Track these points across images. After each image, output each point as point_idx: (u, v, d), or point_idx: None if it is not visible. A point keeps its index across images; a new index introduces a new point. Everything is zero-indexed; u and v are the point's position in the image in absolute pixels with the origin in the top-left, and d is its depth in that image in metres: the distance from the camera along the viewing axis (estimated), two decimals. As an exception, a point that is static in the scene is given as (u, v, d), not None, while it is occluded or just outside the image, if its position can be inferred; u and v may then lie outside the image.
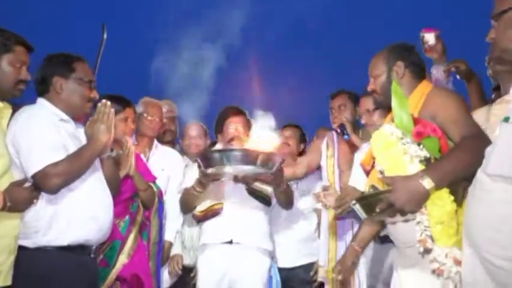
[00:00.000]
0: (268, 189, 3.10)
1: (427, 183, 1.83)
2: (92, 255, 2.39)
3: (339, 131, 3.39)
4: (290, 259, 3.73)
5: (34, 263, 2.18)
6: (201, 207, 3.13)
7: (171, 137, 3.96)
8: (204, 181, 2.84)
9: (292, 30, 9.22)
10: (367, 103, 3.05)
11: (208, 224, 3.14)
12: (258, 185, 3.09)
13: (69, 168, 2.21)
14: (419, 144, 1.95)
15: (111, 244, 2.71)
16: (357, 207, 1.95)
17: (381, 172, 2.02)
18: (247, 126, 3.31)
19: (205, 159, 2.68)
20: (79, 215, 2.26)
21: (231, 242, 3.08)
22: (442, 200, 1.86)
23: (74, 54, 2.44)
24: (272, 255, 3.24)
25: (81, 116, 2.48)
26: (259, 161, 2.57)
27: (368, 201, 1.93)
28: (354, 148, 3.28)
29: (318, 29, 9.72)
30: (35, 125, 2.25)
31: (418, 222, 1.88)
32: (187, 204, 3.13)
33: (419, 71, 2.24)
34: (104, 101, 2.35)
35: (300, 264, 3.75)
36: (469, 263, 1.87)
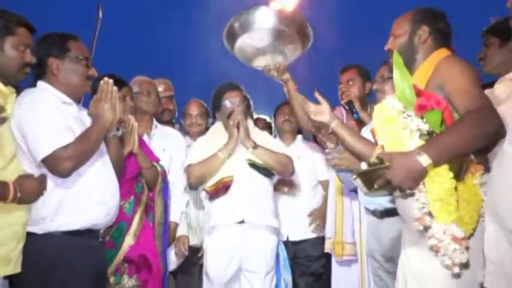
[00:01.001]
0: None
1: (424, 160, 1.78)
2: (100, 239, 2.39)
3: (347, 107, 3.36)
4: (298, 232, 3.75)
5: (43, 249, 2.17)
6: (210, 183, 3.11)
7: (170, 116, 3.92)
8: None
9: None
10: (384, 70, 3.00)
11: (216, 205, 3.11)
12: (256, 158, 3.11)
13: (80, 149, 2.19)
14: (422, 118, 1.90)
15: (116, 225, 2.70)
16: (358, 182, 1.91)
17: (382, 147, 1.99)
18: (244, 100, 3.30)
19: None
20: (87, 200, 2.25)
21: (242, 222, 3.06)
22: (441, 176, 1.80)
23: (67, 33, 2.39)
24: (278, 232, 3.24)
25: (82, 95, 2.45)
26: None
27: (368, 176, 1.89)
28: (362, 125, 3.25)
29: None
30: (40, 109, 2.21)
31: (417, 200, 1.85)
32: (211, 173, 3.09)
33: (443, 40, 2.15)
34: (105, 79, 2.32)
35: (307, 238, 3.76)
36: (493, 239, 1.86)
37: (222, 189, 3.08)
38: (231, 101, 3.23)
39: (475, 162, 1.90)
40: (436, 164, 1.79)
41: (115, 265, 2.70)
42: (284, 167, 3.20)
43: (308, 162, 3.83)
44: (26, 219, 2.14)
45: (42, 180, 2.14)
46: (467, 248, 1.81)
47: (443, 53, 2.09)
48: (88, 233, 2.27)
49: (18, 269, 2.10)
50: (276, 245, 3.16)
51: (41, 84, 2.34)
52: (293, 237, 3.73)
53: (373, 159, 1.95)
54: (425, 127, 1.88)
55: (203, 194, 3.19)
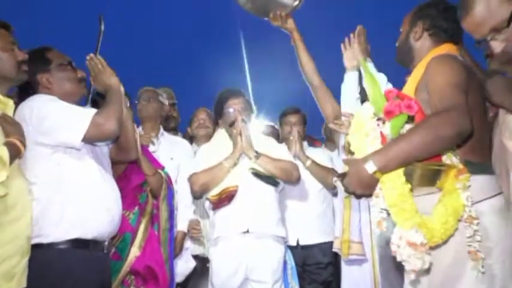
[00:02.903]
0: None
1: (370, 166, 1.76)
2: (105, 251, 2.38)
3: None
4: (308, 236, 3.75)
5: (50, 263, 2.16)
6: (214, 192, 3.09)
7: (174, 123, 3.98)
8: None
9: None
10: None
11: (221, 216, 3.08)
12: (260, 167, 3.09)
13: (112, 109, 2.26)
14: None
15: (122, 237, 2.68)
16: (338, 185, 1.91)
17: (351, 152, 1.96)
18: (247, 107, 3.28)
19: None
20: (92, 207, 2.24)
21: (246, 232, 3.02)
22: (392, 182, 1.78)
23: (41, 47, 2.41)
24: (285, 241, 3.21)
25: (78, 99, 2.47)
26: None
27: (343, 179, 1.87)
28: None
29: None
30: (57, 103, 2.25)
31: (374, 205, 1.84)
32: (215, 182, 3.07)
33: (445, 36, 2.09)
34: (89, 56, 2.41)
35: (317, 242, 3.76)
36: None
37: (225, 199, 3.05)
38: (233, 108, 3.21)
39: (456, 166, 1.86)
40: (385, 170, 1.76)
41: (121, 277, 2.67)
42: (288, 175, 3.16)
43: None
44: (31, 231, 2.12)
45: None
46: (428, 254, 1.76)
47: (441, 50, 2.05)
48: (94, 245, 2.27)
49: (23, 284, 2.07)
50: (283, 254, 3.12)
51: (38, 95, 2.33)
52: (303, 242, 3.72)
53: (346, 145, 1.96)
54: (389, 133, 1.85)
55: (207, 204, 3.17)
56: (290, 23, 3.03)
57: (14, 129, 2.05)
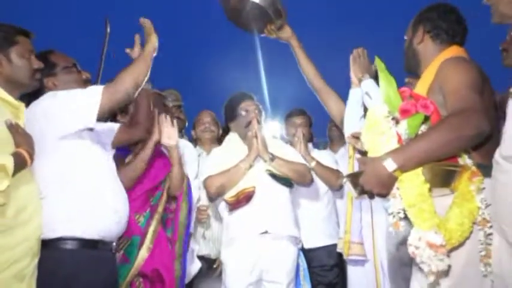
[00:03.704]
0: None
1: (390, 165, 1.74)
2: (113, 251, 2.40)
3: None
4: (313, 239, 3.75)
5: (59, 264, 2.17)
6: (230, 193, 3.09)
7: (181, 125, 3.97)
8: None
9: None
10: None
11: (237, 217, 3.08)
12: (274, 169, 3.10)
13: (133, 68, 2.30)
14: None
15: (130, 240, 2.69)
16: (348, 185, 1.89)
17: (363, 152, 1.96)
18: (260, 110, 3.30)
19: None
20: (99, 208, 2.25)
21: (265, 232, 3.03)
22: (411, 181, 1.76)
23: (45, 50, 2.41)
24: (299, 241, 3.22)
25: None
26: None
27: (354, 180, 1.87)
28: None
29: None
30: (60, 92, 2.26)
31: (391, 205, 1.81)
32: (232, 184, 3.08)
33: (449, 38, 2.09)
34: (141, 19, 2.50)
35: (322, 245, 3.76)
36: (497, 251, 1.79)
37: (243, 199, 3.05)
38: (248, 110, 3.23)
39: (471, 168, 1.85)
40: (404, 169, 1.75)
41: (129, 279, 2.67)
42: (302, 177, 3.19)
43: None
44: (41, 233, 2.13)
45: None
46: (447, 255, 1.75)
47: (450, 52, 2.05)
48: (102, 245, 2.28)
49: (33, 286, 2.08)
50: (296, 255, 3.14)
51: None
52: (308, 245, 3.72)
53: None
54: (405, 133, 1.84)
55: (222, 205, 3.16)
56: (286, 32, 3.02)
57: (23, 140, 2.05)
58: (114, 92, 2.22)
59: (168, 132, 2.85)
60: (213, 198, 3.17)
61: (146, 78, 2.37)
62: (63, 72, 2.39)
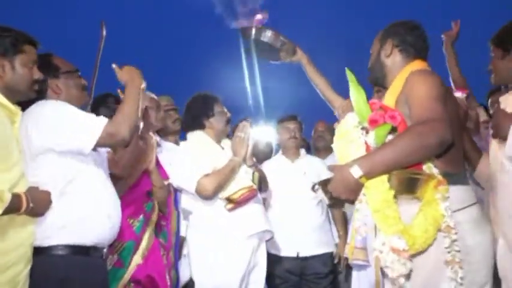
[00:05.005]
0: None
1: (356, 171, 1.80)
2: (104, 258, 2.40)
3: None
4: (308, 248, 3.78)
5: (51, 270, 2.16)
6: (229, 192, 3.15)
7: (181, 125, 3.93)
8: None
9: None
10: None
11: (236, 216, 3.14)
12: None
13: (126, 115, 2.26)
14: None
15: (125, 244, 2.69)
16: (320, 192, 1.94)
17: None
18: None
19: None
20: (92, 213, 2.25)
21: (264, 231, 3.17)
22: (377, 188, 1.82)
23: (47, 53, 2.41)
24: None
25: (80, 106, 2.47)
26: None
27: (324, 187, 1.92)
28: None
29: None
30: (69, 109, 2.25)
31: (357, 210, 1.89)
32: (227, 181, 3.14)
33: (414, 52, 2.16)
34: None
35: (317, 253, 3.78)
36: (502, 255, 1.86)
37: (250, 195, 3.14)
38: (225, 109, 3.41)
39: (437, 177, 1.90)
40: (370, 176, 1.81)
41: (122, 285, 2.67)
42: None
43: (313, 177, 3.80)
44: (34, 239, 2.14)
45: (50, 193, 2.16)
46: (410, 260, 1.81)
47: (416, 65, 2.11)
48: (94, 251, 2.27)
49: None
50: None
51: (45, 101, 2.33)
52: (302, 253, 3.72)
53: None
54: (373, 142, 1.90)
55: (218, 205, 3.17)
56: (298, 54, 3.03)
57: (34, 193, 2.08)
58: (114, 134, 2.21)
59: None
60: (211, 196, 3.16)
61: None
62: (66, 76, 2.38)
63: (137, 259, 2.69)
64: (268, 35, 2.97)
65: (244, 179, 3.18)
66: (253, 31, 2.99)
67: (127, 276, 2.66)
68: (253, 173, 3.26)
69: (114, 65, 2.45)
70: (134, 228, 2.74)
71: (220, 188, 3.11)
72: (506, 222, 1.80)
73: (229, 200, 3.14)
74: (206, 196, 3.14)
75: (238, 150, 3.17)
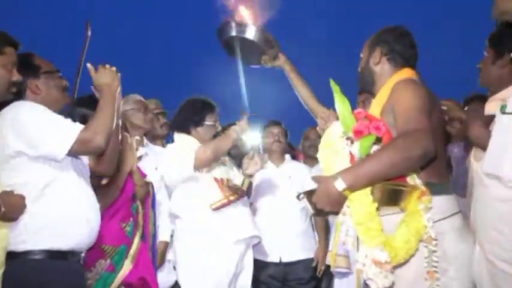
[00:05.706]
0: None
1: (339, 184, 1.79)
2: (81, 262, 2.35)
3: None
4: (290, 253, 3.78)
5: (26, 274, 2.12)
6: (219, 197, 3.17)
7: (168, 130, 3.92)
8: None
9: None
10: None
11: (224, 219, 3.16)
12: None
13: (102, 122, 2.21)
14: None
15: (118, 248, 2.66)
16: (305, 202, 1.93)
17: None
18: None
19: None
20: (71, 218, 2.21)
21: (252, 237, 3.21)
22: (360, 201, 1.82)
23: (27, 52, 2.37)
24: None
25: (61, 107, 2.43)
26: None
27: (309, 197, 1.91)
28: None
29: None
30: (44, 113, 2.21)
31: (342, 223, 1.87)
32: (225, 150, 3.21)
33: (403, 61, 2.16)
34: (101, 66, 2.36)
35: (300, 259, 3.79)
36: (477, 261, 1.86)
37: (242, 194, 3.18)
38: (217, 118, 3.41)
39: (420, 188, 1.90)
40: (353, 188, 1.80)
41: (113, 288, 2.66)
42: None
43: (298, 182, 3.82)
44: (7, 243, 2.09)
45: (24, 197, 2.12)
46: (392, 272, 1.81)
47: (403, 74, 2.10)
48: (71, 256, 2.23)
49: None
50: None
51: (24, 102, 2.29)
52: (285, 259, 3.71)
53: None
54: (358, 153, 1.89)
55: (202, 208, 3.16)
56: (280, 60, 2.94)
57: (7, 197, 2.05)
58: (88, 141, 2.16)
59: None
60: (207, 163, 3.18)
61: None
62: (46, 76, 2.34)
63: (128, 264, 2.66)
64: (252, 32, 2.76)
65: (236, 176, 3.26)
66: (234, 26, 2.77)
67: (118, 280, 2.62)
68: (244, 179, 3.27)
69: (89, 65, 2.39)
70: (126, 233, 2.72)
71: (219, 151, 3.14)
72: (483, 232, 1.81)
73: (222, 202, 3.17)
74: (207, 160, 3.13)
75: (241, 123, 3.21)
